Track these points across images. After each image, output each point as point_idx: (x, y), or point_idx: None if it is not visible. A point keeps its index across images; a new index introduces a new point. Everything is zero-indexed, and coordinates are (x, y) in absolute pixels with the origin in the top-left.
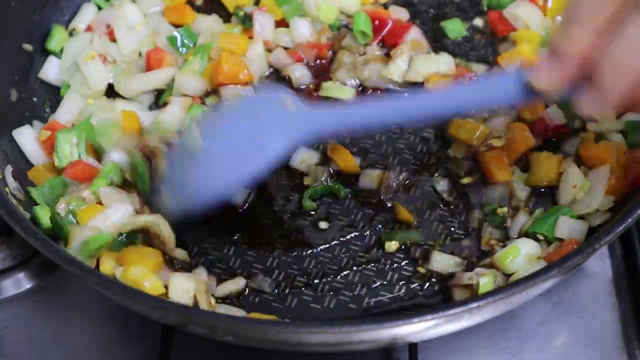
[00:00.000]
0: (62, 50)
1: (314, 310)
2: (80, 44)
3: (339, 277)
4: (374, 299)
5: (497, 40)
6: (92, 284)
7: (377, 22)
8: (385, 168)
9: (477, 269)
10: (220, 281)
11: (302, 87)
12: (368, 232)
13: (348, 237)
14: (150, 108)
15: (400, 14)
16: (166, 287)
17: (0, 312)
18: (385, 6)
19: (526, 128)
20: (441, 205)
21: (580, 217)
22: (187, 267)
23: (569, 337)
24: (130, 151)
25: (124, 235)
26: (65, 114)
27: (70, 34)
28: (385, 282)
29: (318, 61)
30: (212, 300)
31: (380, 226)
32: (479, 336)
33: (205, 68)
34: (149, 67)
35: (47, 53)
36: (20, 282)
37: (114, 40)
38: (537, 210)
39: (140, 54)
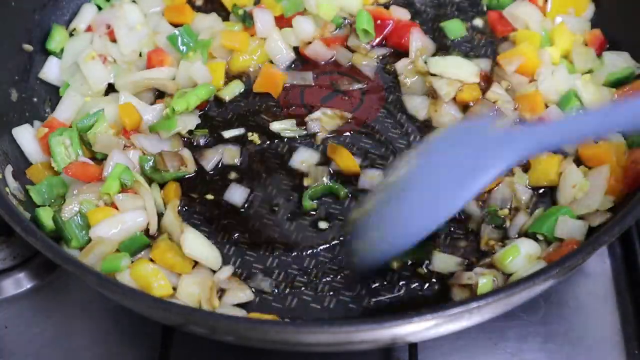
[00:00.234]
0: (62, 51)
1: (314, 310)
2: (80, 44)
3: (339, 277)
4: (374, 299)
5: (497, 40)
6: (92, 284)
7: (379, 22)
8: (385, 168)
9: (477, 269)
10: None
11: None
12: None
13: (348, 237)
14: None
15: (401, 14)
16: (174, 288)
17: (0, 312)
18: (386, 6)
19: None
20: None
21: (580, 217)
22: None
23: (569, 337)
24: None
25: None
26: (63, 112)
27: (71, 34)
28: (385, 282)
29: None
30: (216, 302)
31: None
32: (479, 336)
33: (205, 65)
34: (150, 68)
35: (47, 53)
36: (20, 282)
37: (114, 40)
38: (537, 210)
39: (140, 54)
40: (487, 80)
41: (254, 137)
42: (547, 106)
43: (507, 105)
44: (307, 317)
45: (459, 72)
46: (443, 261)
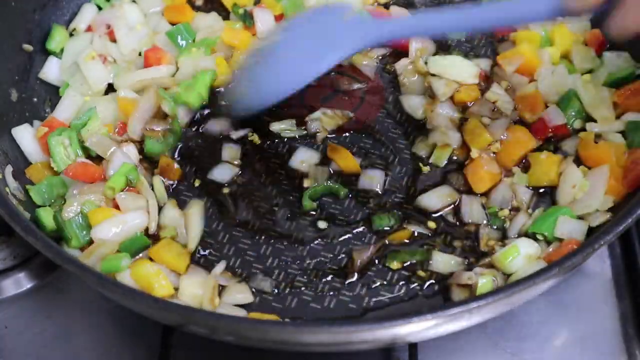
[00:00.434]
0: (62, 51)
1: (314, 310)
2: (80, 44)
3: (339, 277)
4: (374, 299)
5: (497, 40)
6: (92, 284)
7: None
8: (385, 168)
9: (477, 269)
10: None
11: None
12: (368, 233)
13: (348, 237)
14: None
15: (401, 14)
16: (176, 288)
17: (0, 312)
18: (386, 6)
19: (526, 131)
20: None
21: (580, 217)
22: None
23: (569, 337)
24: None
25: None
26: (63, 111)
27: (71, 34)
28: (385, 282)
29: None
30: (217, 301)
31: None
32: (479, 336)
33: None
34: (147, 67)
35: (47, 53)
36: (20, 282)
37: (114, 40)
38: (536, 210)
39: (140, 54)
40: (486, 81)
41: (254, 137)
42: (547, 106)
43: (507, 105)
44: (307, 317)
45: (458, 73)
46: (443, 261)
